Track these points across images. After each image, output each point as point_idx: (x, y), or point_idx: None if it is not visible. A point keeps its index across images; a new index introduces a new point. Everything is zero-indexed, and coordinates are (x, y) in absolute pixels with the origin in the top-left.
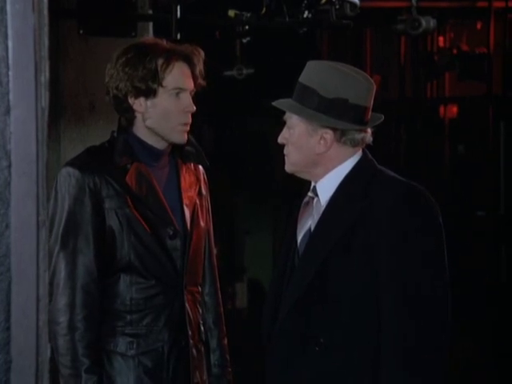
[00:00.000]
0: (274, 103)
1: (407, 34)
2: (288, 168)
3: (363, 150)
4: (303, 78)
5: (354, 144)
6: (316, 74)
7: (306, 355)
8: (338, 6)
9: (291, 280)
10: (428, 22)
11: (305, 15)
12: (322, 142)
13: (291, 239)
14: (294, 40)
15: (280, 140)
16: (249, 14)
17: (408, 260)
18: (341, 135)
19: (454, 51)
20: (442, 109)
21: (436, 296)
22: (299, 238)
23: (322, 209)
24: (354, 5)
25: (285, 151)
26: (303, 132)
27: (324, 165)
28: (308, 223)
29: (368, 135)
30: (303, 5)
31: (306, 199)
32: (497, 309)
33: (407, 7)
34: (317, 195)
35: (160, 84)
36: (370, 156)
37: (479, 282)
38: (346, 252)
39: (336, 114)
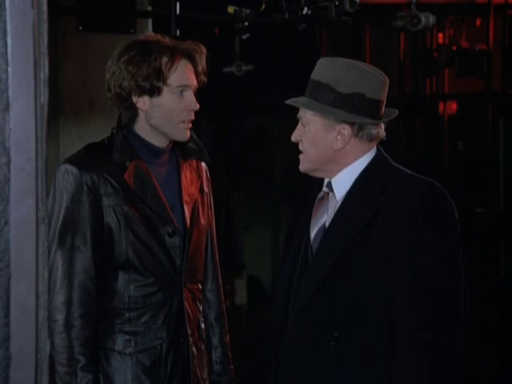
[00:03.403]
0: (288, 101)
1: (406, 31)
2: (303, 167)
3: (377, 147)
4: (316, 75)
5: (371, 139)
6: (330, 70)
7: (320, 350)
8: (337, 3)
9: (305, 276)
10: (427, 19)
11: (304, 12)
12: (339, 137)
13: (303, 234)
14: (294, 37)
15: (294, 138)
16: (248, 11)
17: (425, 257)
18: (358, 130)
19: (454, 48)
20: (441, 105)
21: (451, 295)
22: (313, 234)
23: (338, 204)
24: (353, 1)
25: (300, 148)
26: (320, 128)
27: (340, 161)
28: (323, 219)
29: (382, 130)
30: (302, 1)
31: (321, 194)
32: (497, 306)
33: (406, 3)
34: (332, 190)
35: (165, 82)
36: (384, 152)
37: (479, 279)
38: (362, 248)
39: (352, 108)
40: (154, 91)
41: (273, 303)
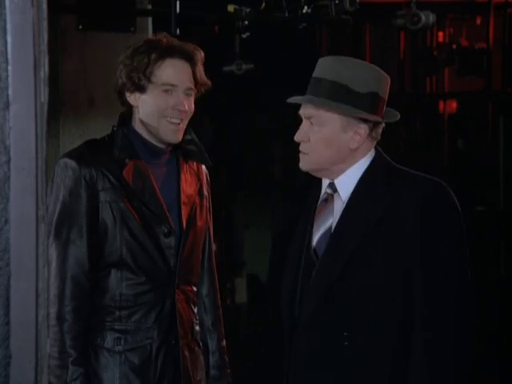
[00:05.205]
0: (301, 100)
1: (406, 29)
2: (307, 166)
3: (376, 147)
4: (326, 74)
5: (377, 138)
6: (342, 68)
7: (334, 351)
8: (337, 1)
9: (313, 279)
10: (427, 17)
11: (304, 10)
12: (356, 137)
13: (304, 237)
14: (294, 35)
15: (299, 138)
16: (248, 9)
17: (422, 258)
18: (372, 129)
19: (454, 46)
20: (441, 104)
21: (449, 295)
22: (317, 236)
23: (344, 205)
24: (353, 0)
25: (303, 149)
26: (337, 128)
27: (350, 160)
28: (328, 221)
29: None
30: (302, 0)
31: (324, 196)
32: (497, 305)
33: (406, 2)
34: (336, 191)
35: (149, 79)
36: (383, 152)
37: (478, 278)
38: (370, 248)
39: (369, 108)
40: (141, 87)
41: (281, 307)
